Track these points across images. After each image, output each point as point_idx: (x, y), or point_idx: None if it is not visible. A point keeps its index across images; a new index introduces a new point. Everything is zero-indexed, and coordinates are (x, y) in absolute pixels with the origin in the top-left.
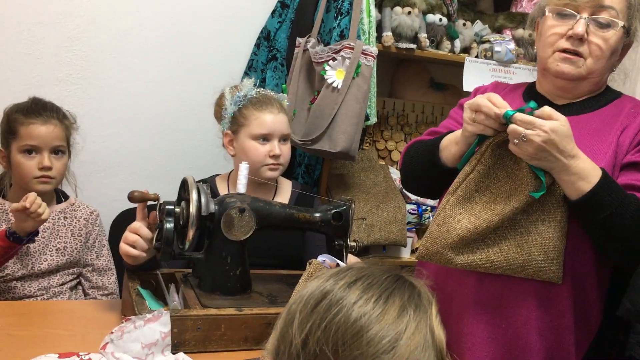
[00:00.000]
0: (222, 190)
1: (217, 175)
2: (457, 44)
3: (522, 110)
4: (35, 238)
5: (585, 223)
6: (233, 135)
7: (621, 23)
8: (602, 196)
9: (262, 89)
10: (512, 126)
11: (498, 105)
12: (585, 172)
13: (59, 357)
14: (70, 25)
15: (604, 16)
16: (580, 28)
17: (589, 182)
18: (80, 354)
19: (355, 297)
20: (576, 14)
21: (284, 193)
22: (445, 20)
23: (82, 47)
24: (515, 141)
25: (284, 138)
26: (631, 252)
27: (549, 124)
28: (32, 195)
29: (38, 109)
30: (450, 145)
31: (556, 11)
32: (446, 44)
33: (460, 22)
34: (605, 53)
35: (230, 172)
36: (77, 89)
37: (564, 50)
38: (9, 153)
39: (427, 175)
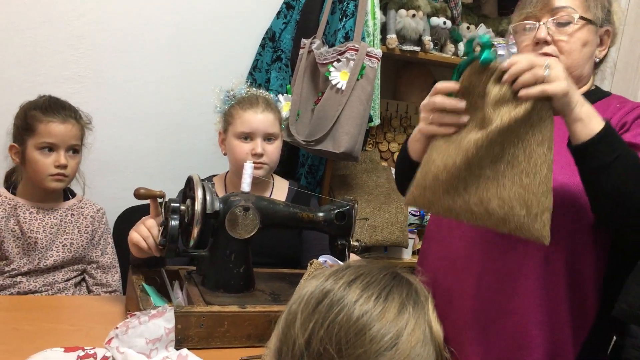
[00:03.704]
0: (219, 190)
1: (214, 175)
2: (461, 47)
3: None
4: (43, 235)
5: (592, 171)
6: (224, 135)
7: (577, 15)
8: (614, 137)
9: (252, 89)
10: (517, 66)
11: (451, 88)
12: (594, 113)
13: (64, 351)
14: (76, 24)
15: (560, 15)
16: (542, 33)
17: (600, 122)
18: (86, 348)
19: (355, 296)
20: (537, 23)
21: (280, 192)
22: (449, 23)
23: (88, 46)
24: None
25: (268, 137)
26: (630, 208)
27: (549, 59)
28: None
29: (57, 107)
30: (413, 142)
31: (521, 27)
32: (450, 47)
33: (464, 25)
34: (573, 46)
35: (227, 172)
36: (82, 87)
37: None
38: (24, 149)
39: (404, 173)
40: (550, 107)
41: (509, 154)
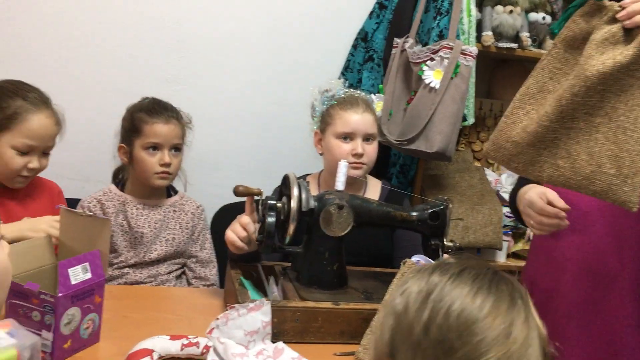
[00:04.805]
0: (313, 189)
1: (308, 174)
2: None
3: None
4: (148, 229)
5: None
6: (321, 134)
7: None
8: None
9: (350, 89)
10: (637, 4)
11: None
12: None
13: (170, 339)
14: (175, 28)
15: None
16: None
17: None
18: (189, 337)
19: (467, 287)
20: None
21: (373, 192)
22: (549, 18)
23: (187, 50)
24: None
25: (367, 137)
26: None
27: None
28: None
29: (160, 109)
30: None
31: None
32: (549, 43)
33: None
34: None
35: (321, 171)
36: (183, 89)
37: None
38: (132, 149)
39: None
40: None
41: (608, 106)
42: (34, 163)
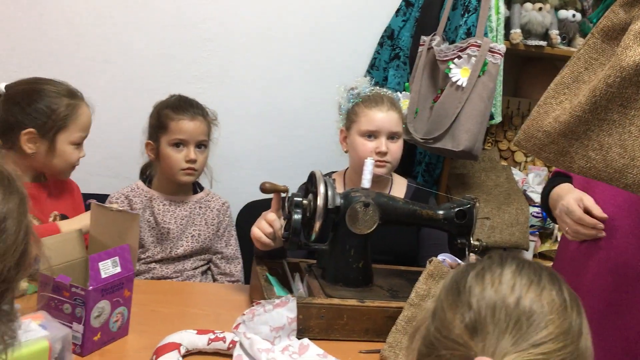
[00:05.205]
0: (338, 186)
1: (334, 171)
2: None
3: None
4: (174, 225)
5: None
6: (346, 132)
7: None
8: None
9: (376, 87)
10: None
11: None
12: None
13: (197, 333)
14: (203, 27)
15: None
16: None
17: None
18: (216, 331)
19: (526, 282)
20: None
21: (399, 190)
22: (579, 16)
23: (214, 48)
24: None
25: (392, 136)
26: None
27: None
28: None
29: (186, 106)
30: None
31: None
32: (579, 41)
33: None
34: None
35: (346, 169)
36: (209, 86)
37: None
38: (158, 146)
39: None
40: None
41: None
42: (82, 152)
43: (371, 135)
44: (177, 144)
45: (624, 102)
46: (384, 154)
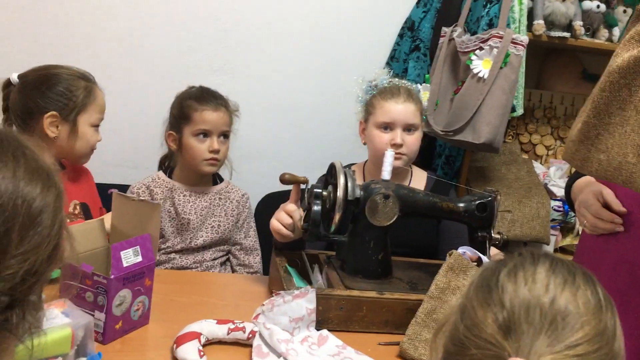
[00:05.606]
0: (358, 178)
1: (353, 163)
2: (616, 32)
3: None
4: (194, 216)
5: None
6: (365, 124)
7: None
8: None
9: (395, 79)
10: None
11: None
12: None
13: (217, 323)
14: (223, 19)
15: None
16: None
17: None
18: (235, 321)
19: (559, 281)
20: None
21: (419, 182)
22: (603, 7)
23: (233, 40)
24: None
25: (408, 128)
26: None
27: None
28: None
29: (209, 96)
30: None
31: None
32: (603, 32)
33: (621, 8)
34: None
35: (366, 161)
36: (229, 78)
37: None
38: (181, 136)
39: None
40: None
41: (637, 99)
42: (100, 136)
43: (387, 127)
44: (201, 134)
45: (622, 105)
46: (399, 146)
